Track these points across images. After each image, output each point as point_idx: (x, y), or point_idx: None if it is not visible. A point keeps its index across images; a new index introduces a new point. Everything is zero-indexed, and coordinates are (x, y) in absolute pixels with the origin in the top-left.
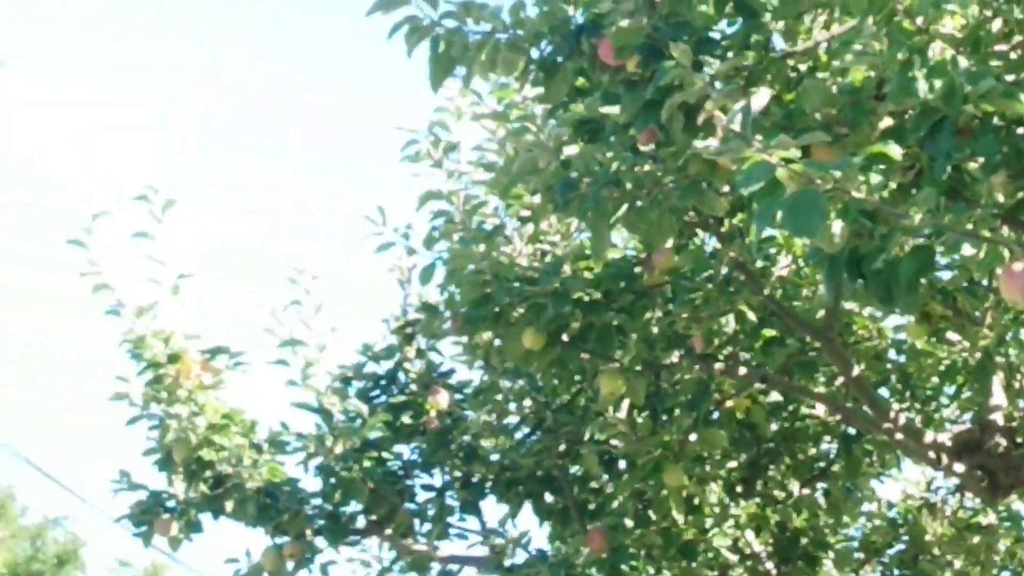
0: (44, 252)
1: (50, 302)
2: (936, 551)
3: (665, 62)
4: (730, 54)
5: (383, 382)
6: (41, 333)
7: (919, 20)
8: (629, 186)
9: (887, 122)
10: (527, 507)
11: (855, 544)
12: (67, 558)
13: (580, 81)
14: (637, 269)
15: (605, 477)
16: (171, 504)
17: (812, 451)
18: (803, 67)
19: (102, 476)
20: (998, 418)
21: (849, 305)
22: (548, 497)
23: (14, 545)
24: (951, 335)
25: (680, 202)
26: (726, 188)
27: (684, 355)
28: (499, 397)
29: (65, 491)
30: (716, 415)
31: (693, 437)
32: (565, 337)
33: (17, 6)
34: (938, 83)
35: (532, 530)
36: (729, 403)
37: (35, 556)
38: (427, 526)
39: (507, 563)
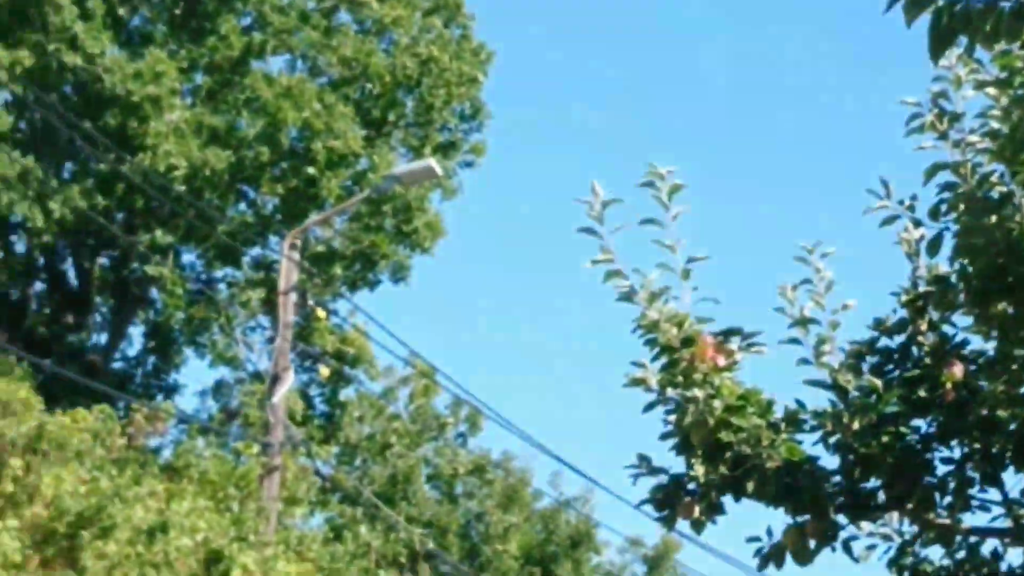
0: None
1: (560, 289)
2: None
3: None
4: None
5: (896, 356)
6: (552, 321)
7: None
8: None
9: None
10: None
11: None
12: (580, 539)
13: None
14: None
15: None
16: (691, 487)
17: None
18: None
19: (612, 458)
20: None
21: None
22: None
23: (528, 529)
24: None
25: None
26: None
27: None
28: (1015, 367)
29: (577, 474)
30: None
31: None
32: None
33: None
34: None
35: None
36: None
37: (549, 539)
38: (948, 499)
39: None
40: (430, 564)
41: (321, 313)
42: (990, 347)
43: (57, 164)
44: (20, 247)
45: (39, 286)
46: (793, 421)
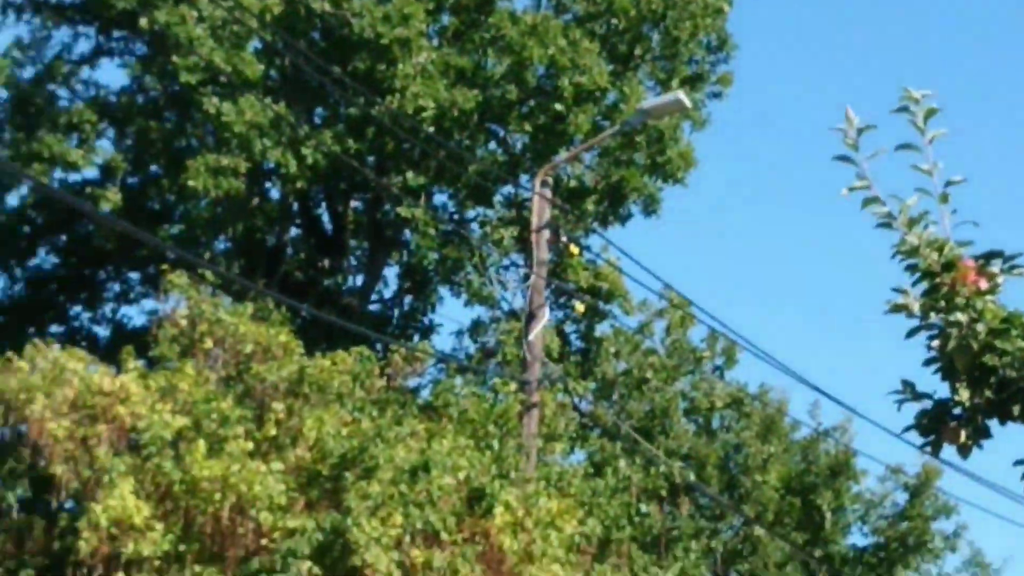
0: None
1: (814, 217)
2: None
3: None
4: None
5: None
6: (807, 249)
7: None
8: None
9: None
10: None
11: None
12: (839, 469)
13: None
14: None
15: None
16: (956, 412)
17: None
18: None
19: (870, 386)
20: None
21: None
22: None
23: (787, 459)
24: None
25: None
26: None
27: None
28: None
29: (835, 404)
30: None
31: None
32: None
33: None
34: None
35: None
36: None
37: (808, 469)
38: None
39: None
40: (690, 497)
41: (574, 249)
42: None
43: (308, 110)
44: (275, 193)
45: (294, 231)
46: None
